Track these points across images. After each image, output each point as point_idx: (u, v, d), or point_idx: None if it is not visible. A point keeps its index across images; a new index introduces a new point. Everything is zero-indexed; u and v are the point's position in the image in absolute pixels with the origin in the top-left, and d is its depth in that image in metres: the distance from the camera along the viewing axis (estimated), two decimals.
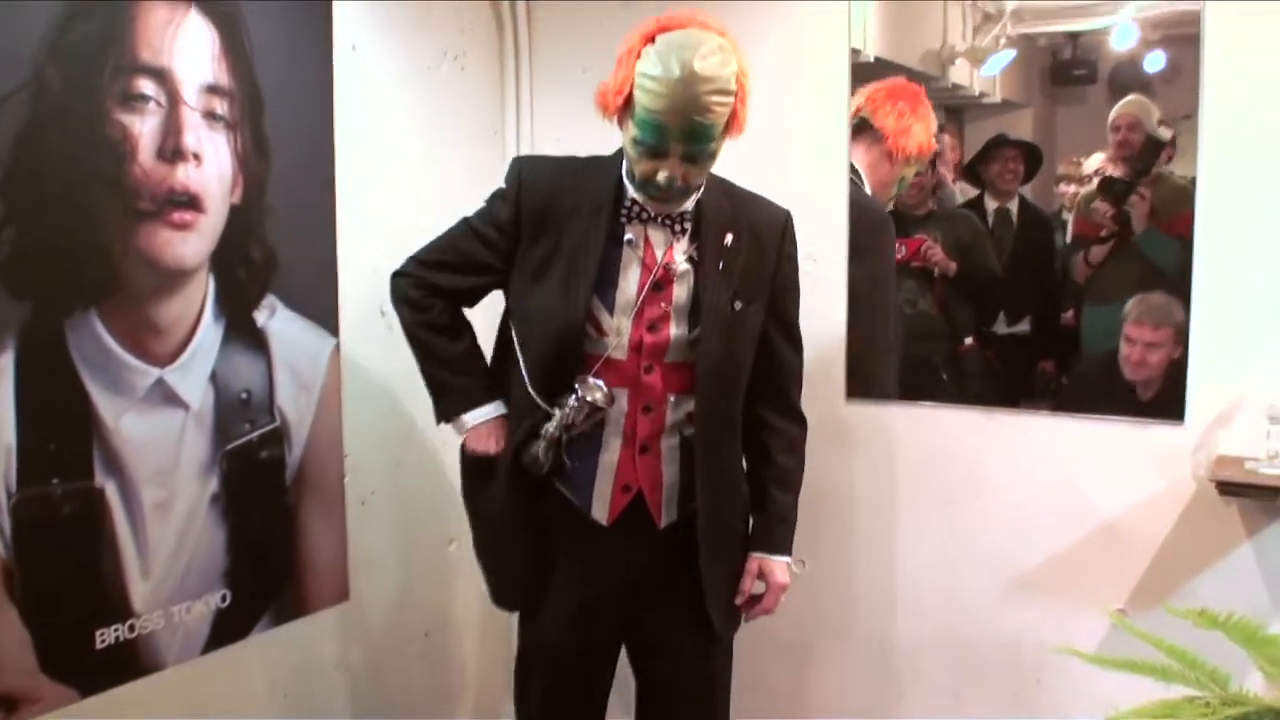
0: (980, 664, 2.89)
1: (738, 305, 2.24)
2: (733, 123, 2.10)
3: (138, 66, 2.17)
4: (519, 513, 2.30)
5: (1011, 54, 2.80)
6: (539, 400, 2.22)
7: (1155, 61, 2.60)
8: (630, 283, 2.21)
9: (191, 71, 2.27)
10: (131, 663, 2.26)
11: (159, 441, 2.28)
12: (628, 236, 2.21)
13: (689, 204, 2.22)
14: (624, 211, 2.21)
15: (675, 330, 2.23)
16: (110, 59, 2.13)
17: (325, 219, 2.65)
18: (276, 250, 2.50)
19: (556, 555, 2.33)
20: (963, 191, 2.94)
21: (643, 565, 2.32)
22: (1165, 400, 2.60)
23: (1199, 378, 2.56)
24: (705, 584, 2.30)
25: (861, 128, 2.87)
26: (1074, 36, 2.73)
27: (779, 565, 2.37)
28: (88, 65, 2.09)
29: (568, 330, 2.18)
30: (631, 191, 2.21)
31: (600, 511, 2.28)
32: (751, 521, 2.40)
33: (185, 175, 2.27)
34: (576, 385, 2.20)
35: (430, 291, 2.32)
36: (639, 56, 2.06)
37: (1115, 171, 2.66)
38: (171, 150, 2.24)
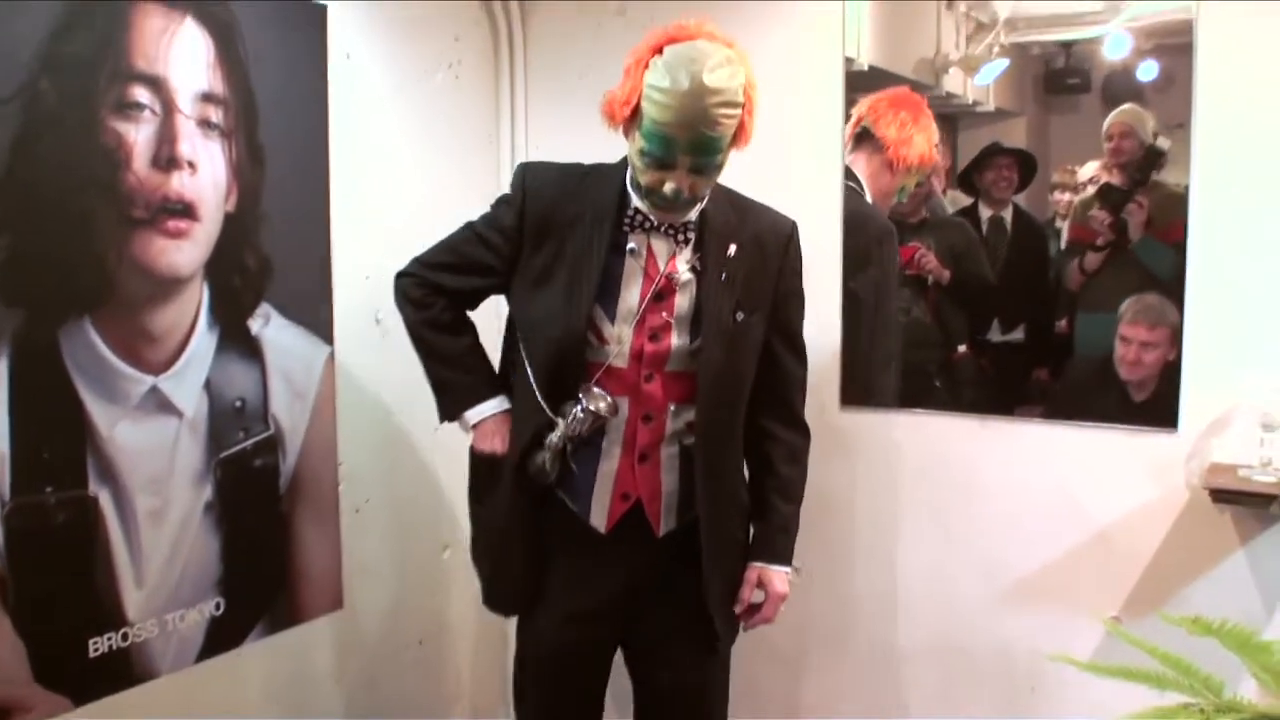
0: (975, 671, 2.89)
1: (739, 316, 2.24)
2: (740, 134, 2.10)
3: (133, 74, 2.17)
4: (522, 517, 2.30)
5: (1005, 63, 2.81)
6: (544, 407, 2.22)
7: (1148, 71, 2.61)
8: (632, 292, 2.21)
9: (186, 79, 2.27)
10: (125, 671, 2.26)
11: (153, 450, 2.27)
12: (631, 245, 2.21)
13: (693, 214, 2.22)
14: (627, 220, 2.21)
15: (676, 340, 2.23)
16: (105, 67, 2.12)
17: (320, 227, 2.65)
18: (271, 258, 2.50)
19: (555, 560, 2.33)
20: (953, 200, 2.94)
21: (641, 573, 2.32)
22: (1159, 402, 2.61)
23: (1192, 385, 2.57)
24: (707, 592, 2.30)
25: (863, 137, 2.88)
26: (1067, 46, 2.74)
27: (779, 575, 2.36)
28: (82, 73, 2.09)
29: (569, 338, 2.18)
30: (635, 200, 2.21)
31: (599, 519, 2.28)
32: (752, 530, 2.40)
33: (180, 183, 2.27)
34: (581, 395, 2.20)
35: (433, 290, 2.32)
36: (647, 67, 2.06)
37: (1112, 179, 2.66)
38: (166, 158, 2.24)
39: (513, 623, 2.51)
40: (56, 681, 2.13)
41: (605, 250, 2.20)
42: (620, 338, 2.21)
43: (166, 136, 2.24)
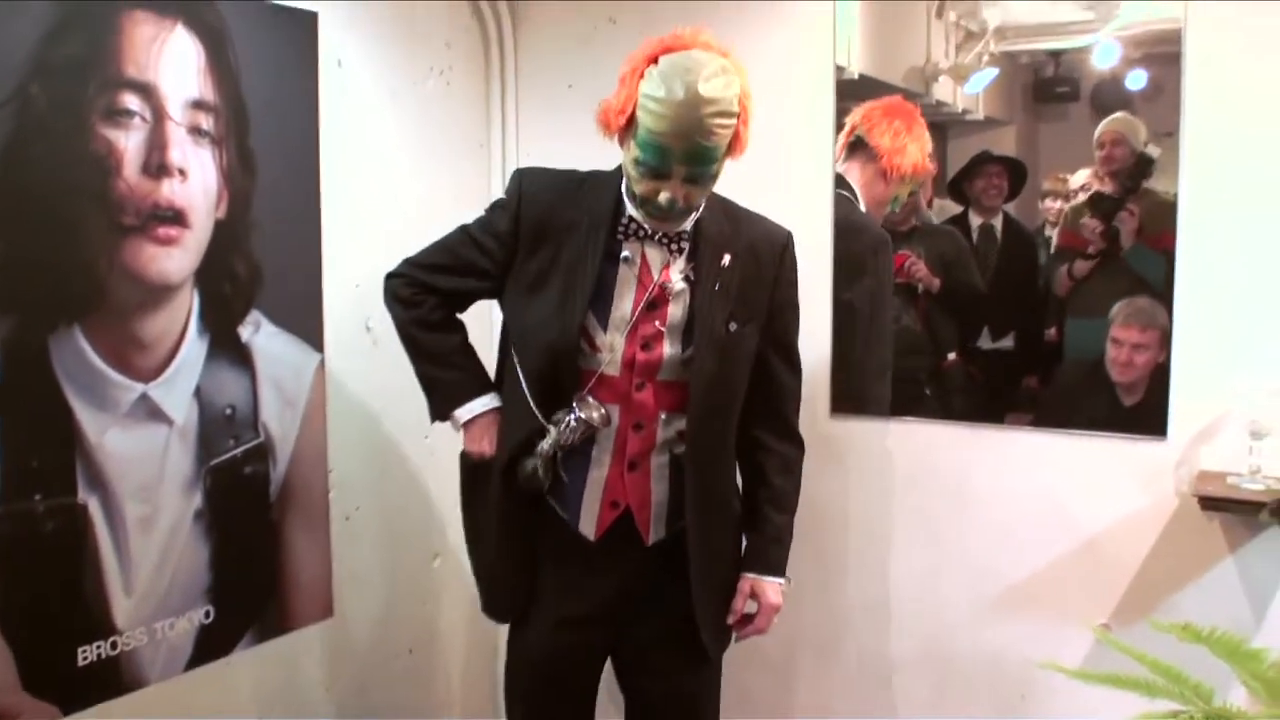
0: (965, 679, 2.89)
1: (733, 326, 2.24)
2: (735, 144, 2.10)
3: (123, 81, 2.17)
4: (511, 522, 2.30)
5: (994, 71, 2.82)
6: (536, 413, 2.22)
7: (1137, 79, 2.62)
8: (625, 300, 2.21)
9: (177, 87, 2.27)
10: (114, 680, 2.25)
11: (143, 457, 2.27)
12: (625, 254, 2.21)
13: (687, 223, 2.22)
14: (622, 228, 2.21)
15: (669, 349, 2.23)
16: (95, 74, 2.12)
17: (310, 234, 2.65)
18: (261, 265, 2.49)
19: (546, 567, 2.33)
20: (941, 209, 2.95)
21: (630, 581, 2.32)
22: (1148, 405, 2.62)
23: (1182, 393, 2.58)
24: (695, 603, 2.30)
25: (857, 146, 2.89)
26: (1056, 54, 2.75)
27: (771, 586, 2.36)
28: (73, 80, 2.08)
29: (562, 345, 2.18)
30: (630, 209, 2.21)
31: (588, 527, 2.28)
32: (745, 541, 2.40)
33: (170, 190, 2.27)
34: (575, 403, 2.20)
35: (422, 290, 2.32)
36: (642, 77, 2.06)
37: (1103, 187, 2.67)
38: (156, 165, 2.24)
39: (503, 631, 2.50)
40: (45, 690, 2.12)
41: (600, 258, 2.20)
42: (612, 346, 2.21)
43: (157, 143, 2.23)
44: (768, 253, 2.31)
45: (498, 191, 2.90)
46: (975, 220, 2.89)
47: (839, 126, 2.91)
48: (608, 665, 2.47)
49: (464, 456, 2.38)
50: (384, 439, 2.93)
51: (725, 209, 2.30)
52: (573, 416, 2.20)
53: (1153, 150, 2.61)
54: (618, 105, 2.10)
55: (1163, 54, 2.56)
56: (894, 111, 2.86)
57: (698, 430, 2.25)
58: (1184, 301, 2.56)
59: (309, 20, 2.60)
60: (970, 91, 2.87)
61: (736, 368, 2.28)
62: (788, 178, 2.93)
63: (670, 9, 2.89)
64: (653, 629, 2.35)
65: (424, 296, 2.32)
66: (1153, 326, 2.60)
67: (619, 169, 2.24)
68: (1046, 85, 2.78)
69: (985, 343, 2.91)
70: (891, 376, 2.96)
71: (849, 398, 2.96)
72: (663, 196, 2.10)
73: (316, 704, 2.81)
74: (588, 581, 2.31)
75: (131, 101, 2.19)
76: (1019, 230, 2.83)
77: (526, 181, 2.30)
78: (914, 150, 2.84)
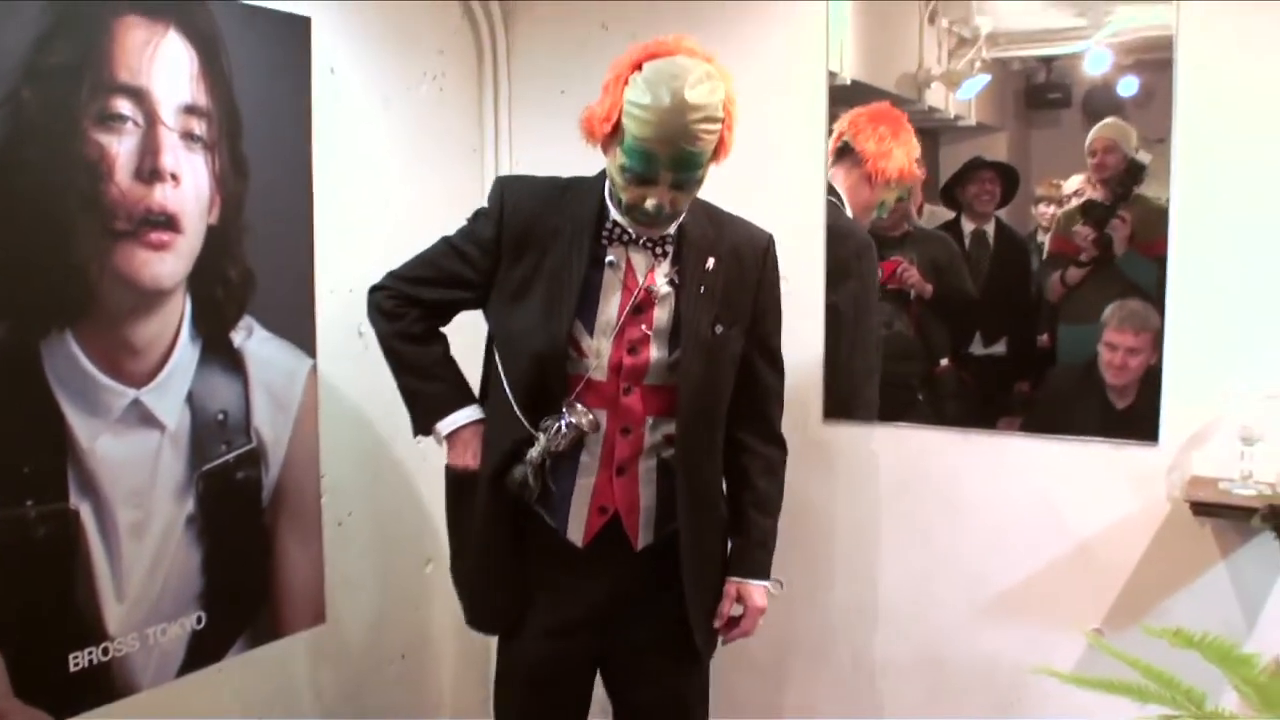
0: (957, 684, 2.89)
1: (718, 329, 2.24)
2: (720, 149, 2.11)
3: (115, 86, 2.17)
4: (499, 532, 2.29)
5: (986, 78, 2.82)
6: (523, 421, 2.21)
7: (1128, 86, 2.63)
8: (611, 305, 2.21)
9: (169, 92, 2.27)
10: (106, 686, 2.24)
11: (135, 462, 2.26)
12: (610, 259, 2.21)
13: (671, 227, 2.22)
14: (606, 233, 2.21)
15: (655, 353, 2.23)
16: (88, 79, 2.12)
17: (303, 239, 2.64)
18: (254, 271, 2.49)
19: (534, 575, 2.32)
20: (931, 217, 2.95)
21: (619, 587, 2.31)
22: (1140, 408, 2.63)
23: (1174, 398, 2.58)
24: (689, 605, 2.30)
25: (844, 152, 2.90)
26: (1048, 61, 2.76)
27: (757, 589, 2.36)
28: (65, 85, 2.08)
29: (550, 351, 2.18)
30: (614, 214, 2.21)
31: (576, 533, 2.27)
32: (730, 545, 2.40)
33: (162, 195, 2.26)
34: (564, 409, 2.20)
35: (406, 302, 2.32)
36: (627, 84, 2.06)
37: (1095, 194, 2.68)
38: (149, 170, 2.23)
39: (495, 638, 2.50)
40: (36, 696, 2.11)
41: (585, 263, 2.20)
42: (599, 351, 2.21)
43: (149, 148, 2.23)
44: (750, 255, 2.31)
45: None
46: (967, 226, 2.90)
47: (830, 133, 2.91)
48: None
49: (449, 469, 2.37)
50: (376, 444, 2.93)
51: (708, 212, 2.30)
52: (563, 422, 2.19)
53: (1144, 157, 2.61)
54: (602, 113, 2.09)
55: (1154, 60, 2.57)
56: (880, 117, 2.87)
57: (687, 433, 2.25)
58: (1176, 307, 2.57)
59: (302, 25, 2.60)
60: (962, 97, 2.88)
61: (723, 370, 2.28)
62: (781, 183, 2.94)
63: (663, 15, 2.90)
64: (644, 634, 2.34)
65: (407, 309, 2.31)
66: (1147, 330, 2.60)
67: (601, 174, 2.24)
68: (1038, 91, 2.79)
69: (977, 348, 2.91)
70: (885, 382, 2.96)
71: (842, 403, 2.96)
72: (649, 203, 2.10)
73: (308, 710, 2.80)
74: (577, 588, 2.30)
75: (124, 106, 2.18)
76: (1011, 236, 2.84)
77: (509, 190, 2.29)
78: (900, 155, 2.85)
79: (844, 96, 2.90)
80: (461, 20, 3.19)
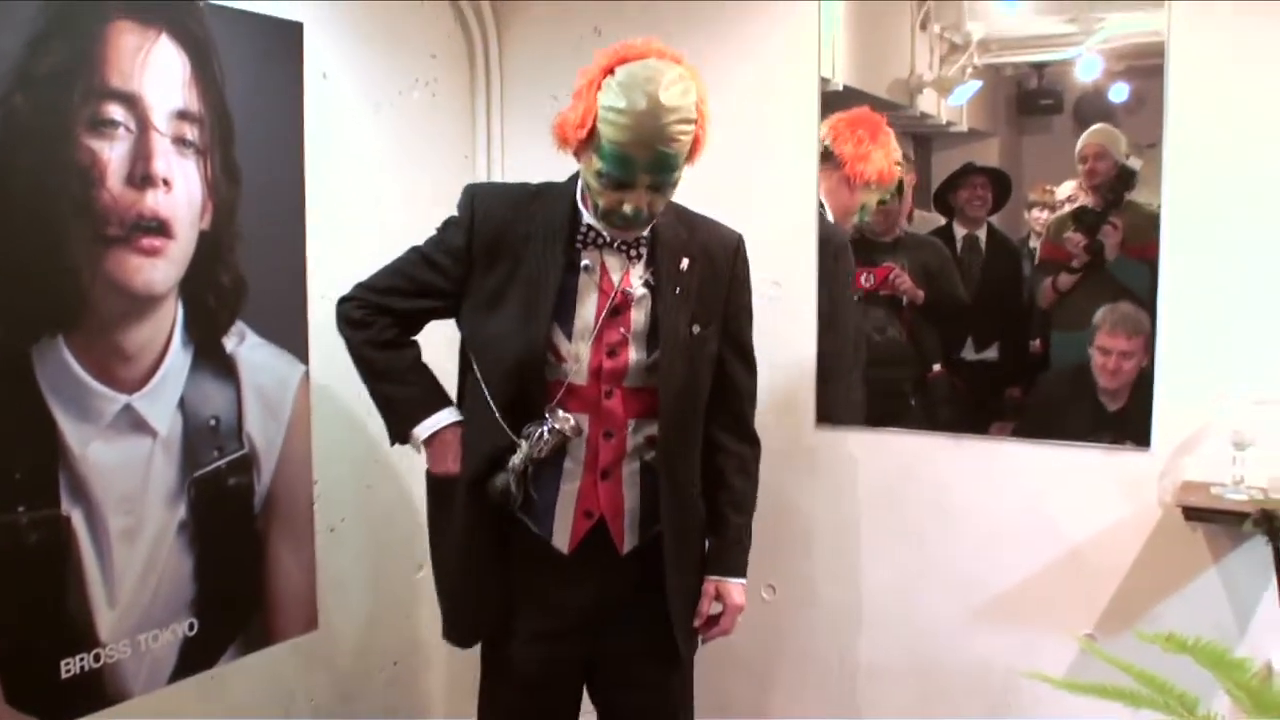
0: (949, 688, 2.90)
1: (696, 329, 2.25)
2: (694, 149, 2.11)
3: (107, 92, 2.16)
4: (481, 540, 2.28)
5: (978, 84, 2.83)
6: (504, 428, 2.21)
7: (1119, 92, 2.64)
8: (588, 308, 2.21)
9: (161, 97, 2.26)
10: (97, 693, 2.24)
11: (126, 468, 2.26)
12: (584, 262, 2.21)
13: (645, 229, 2.23)
14: (580, 237, 2.21)
15: (634, 355, 2.23)
16: (80, 84, 2.12)
17: (295, 245, 2.64)
18: (246, 276, 2.49)
19: (519, 583, 2.31)
20: (922, 222, 2.96)
21: (606, 592, 2.30)
22: (1132, 410, 2.64)
23: (1165, 403, 2.59)
24: (672, 607, 2.29)
25: (824, 156, 2.91)
26: (1039, 67, 2.77)
27: (735, 587, 2.37)
28: (57, 90, 2.08)
29: (529, 358, 2.18)
30: (587, 218, 2.21)
31: (561, 539, 2.26)
32: (707, 544, 2.40)
33: (154, 201, 2.26)
34: (547, 415, 2.20)
35: (375, 311, 2.30)
36: (599, 89, 2.06)
37: (1087, 200, 2.69)
38: (141, 176, 2.23)
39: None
40: (27, 702, 2.11)
41: (560, 268, 2.19)
42: (578, 355, 2.21)
43: (141, 154, 2.23)
44: (722, 255, 2.32)
45: None
46: (959, 231, 2.91)
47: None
48: None
49: (430, 476, 2.36)
50: (368, 450, 2.92)
51: (678, 213, 2.30)
52: (545, 428, 2.19)
53: (1134, 163, 2.62)
54: (576, 119, 2.09)
55: (1145, 66, 2.58)
56: (858, 122, 2.89)
57: (669, 434, 2.25)
58: (1167, 313, 2.57)
59: (294, 31, 2.60)
60: (954, 103, 2.89)
61: (702, 370, 2.28)
62: (774, 189, 2.94)
63: (656, 21, 2.90)
64: (632, 638, 2.33)
65: (375, 317, 2.29)
66: (1139, 333, 2.61)
67: (572, 179, 2.24)
68: (1030, 98, 2.80)
69: (969, 354, 2.92)
70: (878, 388, 2.97)
71: (835, 408, 2.97)
72: (627, 207, 2.10)
73: (301, 716, 2.79)
74: (563, 594, 2.29)
75: (116, 112, 2.18)
76: (1003, 241, 2.85)
77: (478, 197, 2.29)
78: (878, 157, 2.86)
79: (836, 102, 2.91)
80: (454, 25, 3.20)
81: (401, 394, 2.32)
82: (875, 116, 2.89)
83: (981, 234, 2.88)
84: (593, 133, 2.07)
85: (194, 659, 2.44)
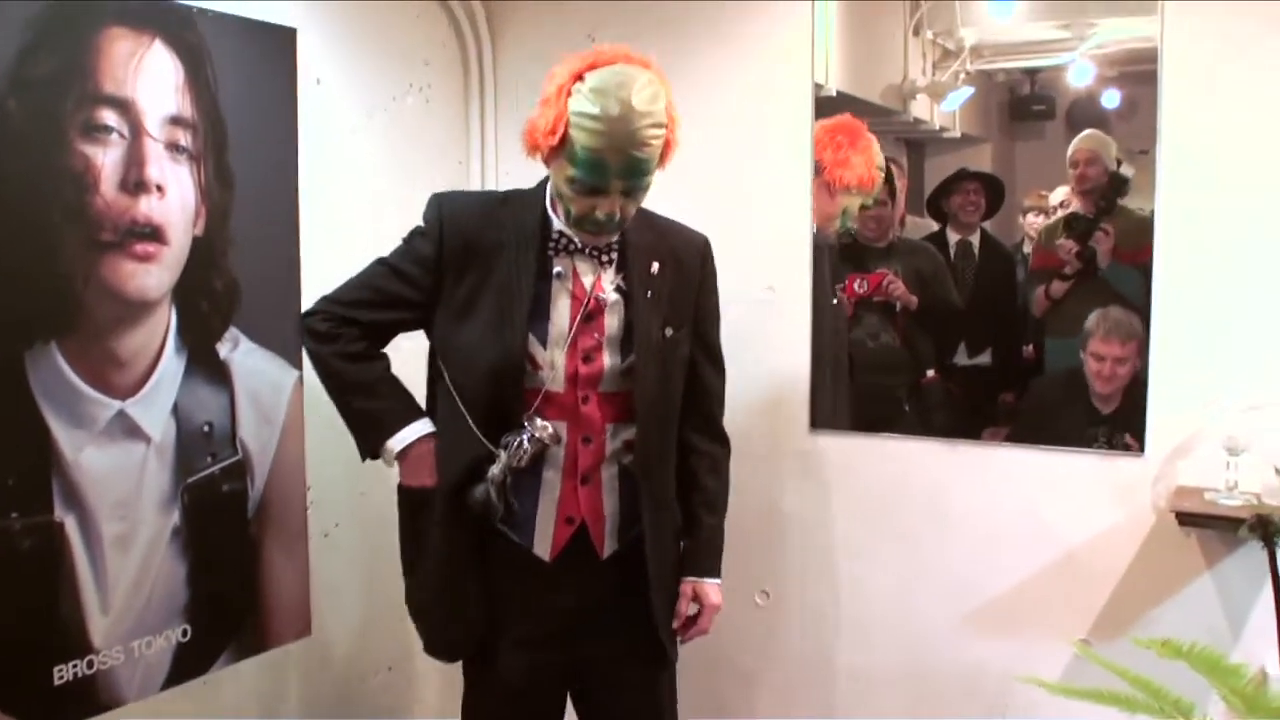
0: (944, 694, 2.90)
1: (669, 332, 2.26)
2: (665, 153, 2.12)
3: (100, 97, 2.15)
4: (459, 552, 2.27)
5: (971, 90, 2.84)
6: (481, 439, 2.20)
7: (1112, 98, 2.65)
8: (561, 315, 2.21)
9: (155, 103, 2.25)
10: (90, 699, 2.22)
11: (120, 474, 2.25)
12: (556, 269, 2.21)
13: (616, 234, 2.23)
14: (551, 244, 2.22)
15: (609, 360, 2.23)
16: (73, 90, 2.11)
17: (289, 251, 2.63)
18: (239, 282, 2.48)
19: (501, 592, 2.30)
20: (915, 228, 2.97)
21: (588, 598, 2.30)
22: (1125, 412, 2.64)
23: (1159, 409, 2.59)
24: (656, 609, 2.30)
25: None
26: (1032, 73, 2.77)
27: (712, 587, 2.38)
28: (50, 96, 2.07)
29: (506, 366, 2.18)
30: (558, 224, 2.21)
31: (542, 547, 2.26)
32: (683, 545, 2.40)
33: (148, 207, 2.25)
34: (525, 424, 2.19)
35: (341, 323, 2.29)
36: (569, 95, 2.06)
37: (1079, 206, 2.69)
38: (134, 181, 2.22)
39: None
40: (20, 709, 2.09)
41: (532, 275, 2.20)
42: (554, 362, 2.21)
43: (134, 160, 2.22)
44: (690, 258, 2.34)
45: None
46: (953, 237, 2.91)
47: None
48: None
49: (402, 490, 2.35)
50: None
51: (646, 219, 2.31)
52: (525, 437, 2.18)
53: (1126, 170, 2.63)
54: (546, 126, 2.08)
55: (1137, 72, 2.59)
56: (838, 128, 2.91)
57: (646, 437, 2.26)
58: (1161, 318, 2.58)
59: (288, 37, 2.60)
60: (947, 109, 2.89)
61: (675, 372, 2.30)
62: (768, 195, 2.94)
63: (649, 27, 2.91)
64: (616, 643, 2.33)
65: (342, 329, 2.29)
66: (1132, 338, 2.62)
67: (540, 185, 2.25)
68: (1023, 103, 2.80)
69: (963, 359, 2.92)
70: (871, 393, 2.97)
71: (828, 413, 2.97)
72: (600, 212, 2.11)
73: None
74: (544, 604, 2.28)
75: (109, 117, 2.17)
76: (996, 247, 2.85)
77: (446, 206, 2.28)
78: (858, 162, 2.87)
79: (830, 108, 2.91)
80: (448, 31, 3.20)
81: (372, 407, 2.32)
82: (856, 123, 2.90)
83: (975, 239, 2.89)
84: (564, 139, 2.07)
85: (187, 665, 2.43)
